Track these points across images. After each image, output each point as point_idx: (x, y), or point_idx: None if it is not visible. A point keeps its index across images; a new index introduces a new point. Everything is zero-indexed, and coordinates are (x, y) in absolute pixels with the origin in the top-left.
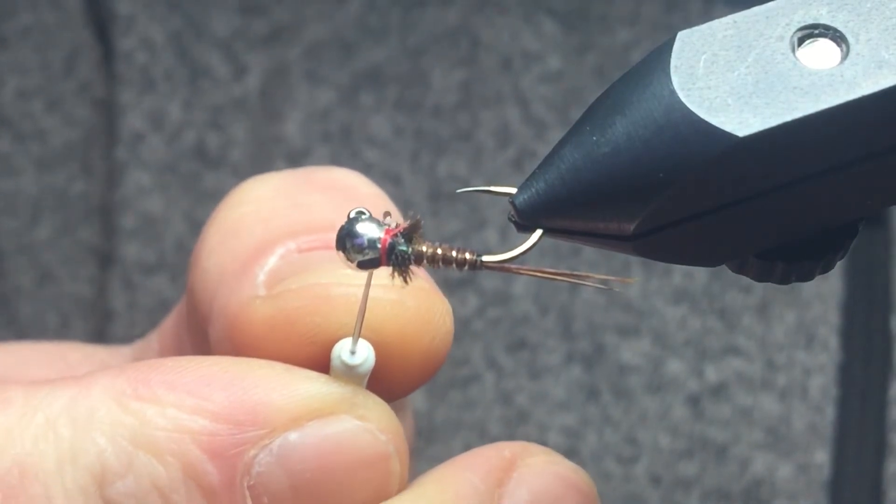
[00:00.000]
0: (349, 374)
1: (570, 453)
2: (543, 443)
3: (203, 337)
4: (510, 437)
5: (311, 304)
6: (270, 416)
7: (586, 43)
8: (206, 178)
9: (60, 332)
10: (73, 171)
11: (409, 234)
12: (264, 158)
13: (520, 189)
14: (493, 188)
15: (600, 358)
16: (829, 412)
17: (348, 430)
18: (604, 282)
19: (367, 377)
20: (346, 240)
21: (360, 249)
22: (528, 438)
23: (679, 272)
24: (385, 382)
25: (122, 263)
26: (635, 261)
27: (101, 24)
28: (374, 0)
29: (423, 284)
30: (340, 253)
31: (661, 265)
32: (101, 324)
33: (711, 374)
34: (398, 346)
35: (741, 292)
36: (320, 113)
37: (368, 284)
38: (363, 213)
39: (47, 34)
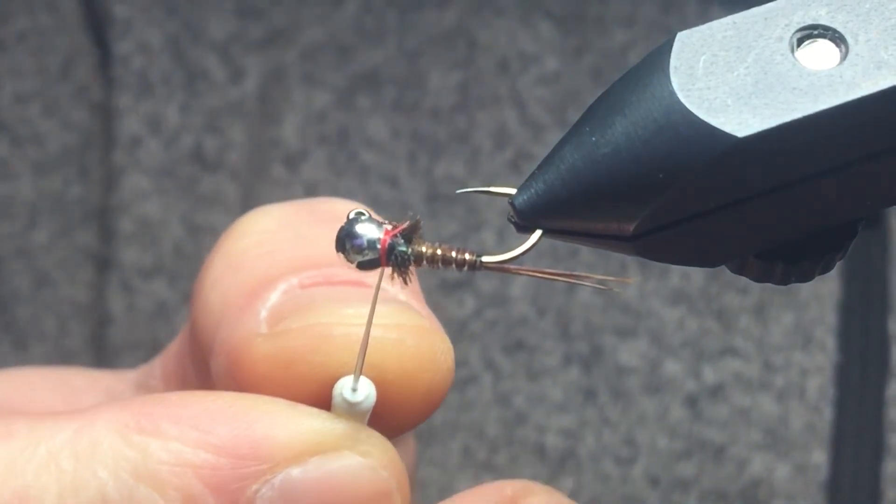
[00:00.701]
0: (351, 411)
1: (568, 455)
2: (541, 444)
3: (206, 365)
4: (508, 438)
5: (313, 343)
6: (273, 451)
7: (583, 44)
8: (204, 181)
9: (58, 335)
10: (71, 174)
11: (409, 235)
12: (262, 161)
13: (519, 190)
14: (492, 189)
15: (598, 359)
16: (827, 413)
17: (350, 466)
18: (603, 282)
19: (369, 414)
20: (346, 240)
21: (360, 250)
22: (525, 440)
23: (676, 274)
24: (385, 420)
25: (121, 267)
26: (632, 262)
27: (98, 27)
28: (370, 3)
29: (424, 323)
30: (340, 254)
31: (658, 267)
32: (98, 327)
33: (709, 374)
34: (399, 384)
35: (738, 294)
36: (317, 115)
37: (370, 322)
38: (362, 213)
39: (44, 38)
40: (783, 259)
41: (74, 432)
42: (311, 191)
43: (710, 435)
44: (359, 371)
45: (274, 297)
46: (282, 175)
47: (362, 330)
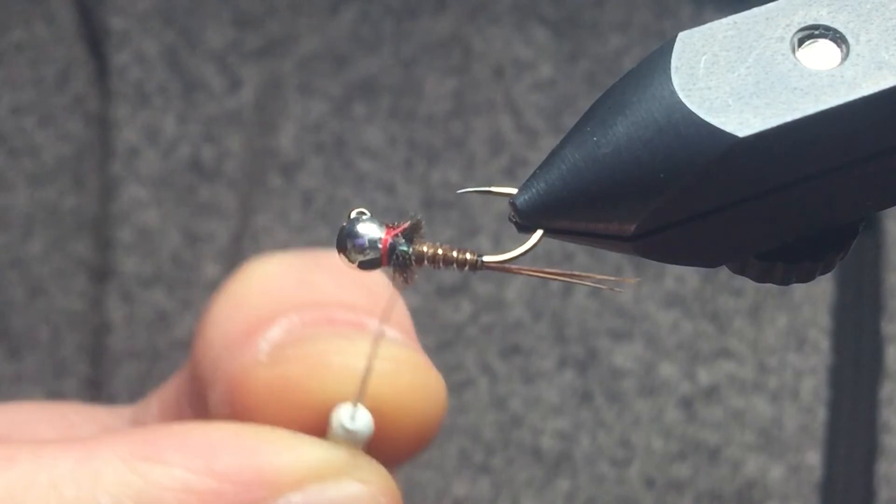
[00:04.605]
0: (348, 439)
1: (564, 457)
2: (537, 447)
3: (203, 405)
4: (504, 441)
5: (311, 370)
6: (275, 477)
7: (578, 50)
8: (202, 190)
9: (52, 345)
10: (66, 185)
11: (410, 235)
12: (258, 170)
13: (520, 189)
14: (493, 189)
15: (593, 362)
16: (821, 414)
17: (350, 492)
18: (604, 282)
19: (366, 443)
20: (347, 240)
21: (361, 250)
22: (521, 443)
23: (671, 276)
24: (379, 451)
25: (120, 276)
26: (627, 265)
27: (95, 39)
28: (367, 11)
29: (417, 359)
30: (341, 254)
31: (653, 270)
32: (97, 336)
33: (704, 376)
34: (392, 417)
35: (733, 296)
36: (313, 125)
37: (374, 353)
38: (364, 213)
39: (40, 49)
40: (784, 259)
41: (77, 460)
42: (308, 200)
43: (705, 436)
44: (359, 399)
45: (275, 332)
46: (278, 184)
47: (359, 360)
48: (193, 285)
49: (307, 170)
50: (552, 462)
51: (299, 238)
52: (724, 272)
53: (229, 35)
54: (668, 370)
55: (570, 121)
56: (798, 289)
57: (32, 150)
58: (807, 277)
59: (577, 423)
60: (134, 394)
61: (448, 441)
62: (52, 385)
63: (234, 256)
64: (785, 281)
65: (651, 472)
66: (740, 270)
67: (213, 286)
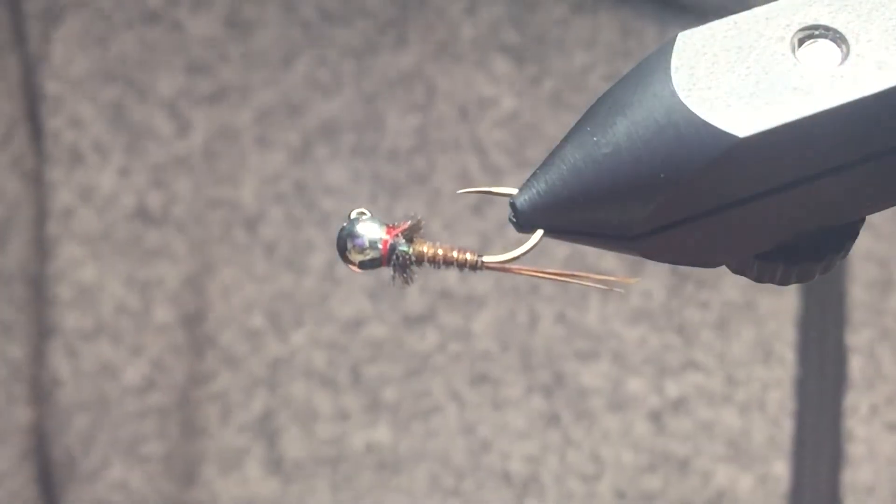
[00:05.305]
0: None
1: (532, 479)
2: (506, 471)
3: None
4: (475, 466)
5: None
6: None
7: (540, 72)
8: (149, 236)
9: None
10: None
11: (410, 235)
12: (220, 223)
13: (521, 190)
14: (493, 189)
15: (560, 385)
16: (787, 425)
17: None
18: (604, 282)
19: None
20: (347, 240)
21: (361, 250)
22: (490, 467)
23: (637, 293)
24: None
25: (63, 332)
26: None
27: (32, 101)
28: (323, 56)
29: None
30: (341, 254)
31: (618, 290)
32: (45, 392)
33: (672, 389)
34: None
35: (699, 308)
36: (273, 175)
37: None
38: (364, 213)
39: None
40: (784, 259)
41: None
42: (271, 251)
43: (674, 448)
44: None
45: None
46: (242, 239)
47: None
48: (143, 330)
49: (268, 221)
50: (520, 484)
51: (265, 287)
52: (690, 284)
53: (180, 81)
54: (635, 385)
55: (534, 153)
56: (764, 302)
57: None
58: (806, 277)
59: (544, 445)
60: (87, 444)
61: (417, 467)
62: None
63: (190, 299)
64: (785, 281)
65: (622, 485)
66: (740, 270)
67: (166, 329)
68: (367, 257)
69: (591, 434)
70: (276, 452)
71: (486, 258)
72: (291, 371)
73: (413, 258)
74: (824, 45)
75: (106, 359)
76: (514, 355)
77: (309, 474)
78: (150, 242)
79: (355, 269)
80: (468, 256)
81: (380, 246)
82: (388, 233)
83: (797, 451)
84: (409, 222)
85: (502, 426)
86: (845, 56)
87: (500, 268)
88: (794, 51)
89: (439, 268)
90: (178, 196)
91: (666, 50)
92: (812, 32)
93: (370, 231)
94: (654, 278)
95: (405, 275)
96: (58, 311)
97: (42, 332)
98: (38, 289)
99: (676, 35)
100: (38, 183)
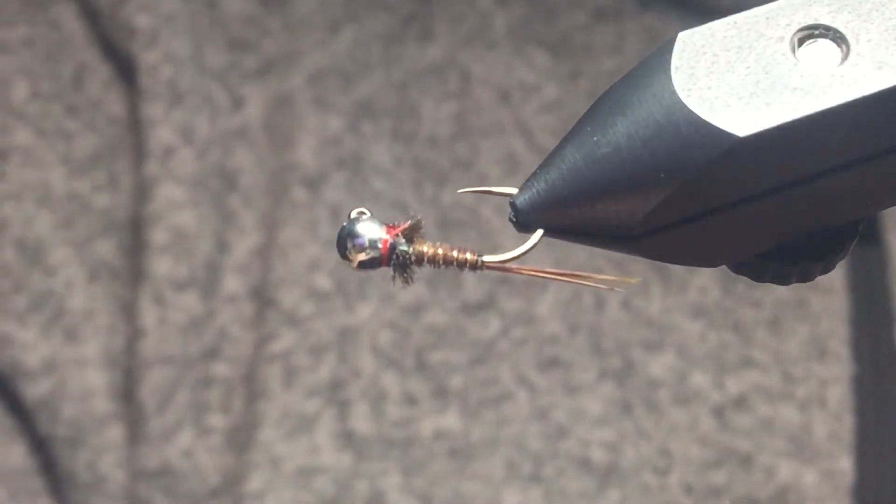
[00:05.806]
0: None
1: (612, 468)
2: (586, 458)
3: None
4: (553, 452)
5: None
6: None
7: (577, 70)
8: (230, 199)
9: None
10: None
11: (410, 234)
12: (279, 186)
13: (521, 189)
14: (493, 189)
15: (630, 373)
16: (848, 420)
17: None
18: (604, 282)
19: None
20: (347, 240)
21: (362, 249)
22: (569, 454)
23: (694, 287)
24: None
25: (153, 280)
26: (646, 272)
27: (114, 40)
28: (358, 33)
29: None
30: (341, 254)
31: (677, 280)
32: (131, 341)
33: (732, 385)
34: None
35: (753, 307)
36: (332, 139)
37: None
38: (364, 212)
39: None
40: (784, 259)
41: None
42: (335, 213)
43: (738, 444)
44: None
45: None
46: (303, 198)
47: None
48: (214, 295)
49: (330, 184)
50: (602, 472)
51: (330, 252)
52: (743, 284)
53: (225, 58)
54: (699, 379)
55: None
56: (814, 301)
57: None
58: (806, 277)
59: (621, 433)
60: (162, 402)
61: (492, 453)
62: None
63: (257, 271)
64: (784, 281)
65: (690, 479)
66: (740, 270)
67: (233, 300)
68: (368, 257)
69: (661, 426)
70: (347, 424)
71: (486, 258)
72: (359, 344)
73: (413, 258)
74: (824, 44)
75: (194, 314)
76: (584, 339)
77: (379, 454)
78: (231, 206)
79: (354, 268)
80: (468, 256)
81: (380, 245)
82: (389, 232)
83: (860, 445)
84: (409, 222)
85: (578, 412)
86: (845, 56)
87: (501, 267)
88: (794, 51)
89: (439, 267)
90: (243, 169)
91: (666, 50)
92: (812, 32)
93: (370, 231)
94: (706, 275)
95: (405, 274)
96: (151, 256)
97: (130, 277)
98: (137, 232)
99: (676, 35)
100: (129, 125)
